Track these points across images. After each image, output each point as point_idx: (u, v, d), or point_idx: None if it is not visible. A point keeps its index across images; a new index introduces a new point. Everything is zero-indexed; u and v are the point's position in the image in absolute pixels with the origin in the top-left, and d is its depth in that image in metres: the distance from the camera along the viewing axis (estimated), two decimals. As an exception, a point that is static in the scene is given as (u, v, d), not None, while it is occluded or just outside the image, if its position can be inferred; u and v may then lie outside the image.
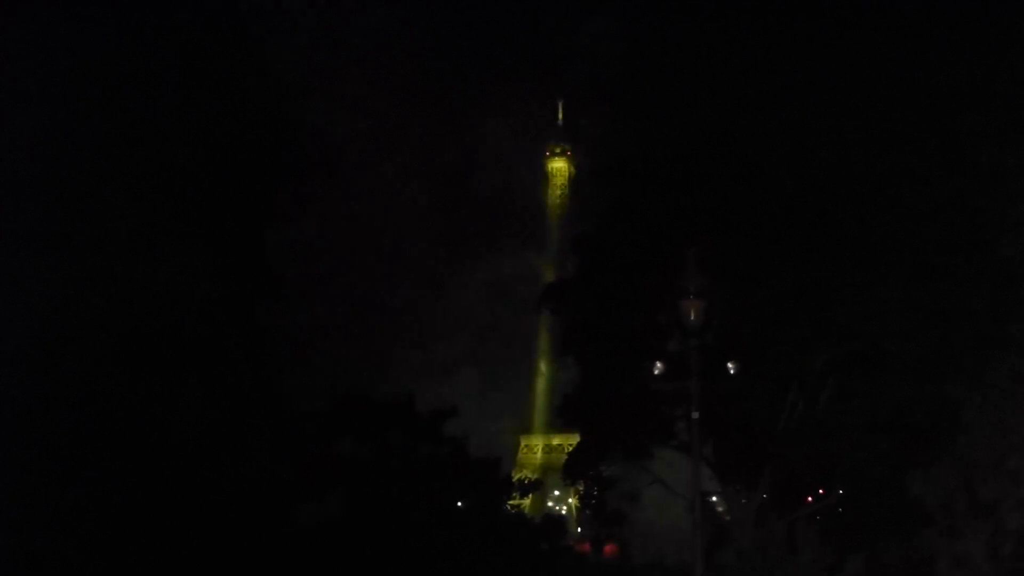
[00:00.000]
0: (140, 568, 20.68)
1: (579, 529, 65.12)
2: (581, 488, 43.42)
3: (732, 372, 27.11)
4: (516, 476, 46.96)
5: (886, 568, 33.72)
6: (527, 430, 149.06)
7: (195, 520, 21.74)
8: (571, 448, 45.23)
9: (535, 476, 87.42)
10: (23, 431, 19.05)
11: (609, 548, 56.06)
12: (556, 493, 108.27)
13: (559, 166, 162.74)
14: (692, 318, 22.89)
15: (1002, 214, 29.94)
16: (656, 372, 35.83)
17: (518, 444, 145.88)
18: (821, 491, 36.81)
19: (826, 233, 32.68)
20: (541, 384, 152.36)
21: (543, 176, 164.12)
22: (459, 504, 36.57)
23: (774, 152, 33.46)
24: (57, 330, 20.04)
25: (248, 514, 24.32)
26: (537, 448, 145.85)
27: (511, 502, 42.01)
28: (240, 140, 25.17)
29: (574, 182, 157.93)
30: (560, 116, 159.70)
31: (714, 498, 42.36)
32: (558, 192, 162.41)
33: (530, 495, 44.40)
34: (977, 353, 30.73)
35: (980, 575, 30.61)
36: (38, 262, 20.13)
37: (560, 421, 42.96)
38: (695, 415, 24.38)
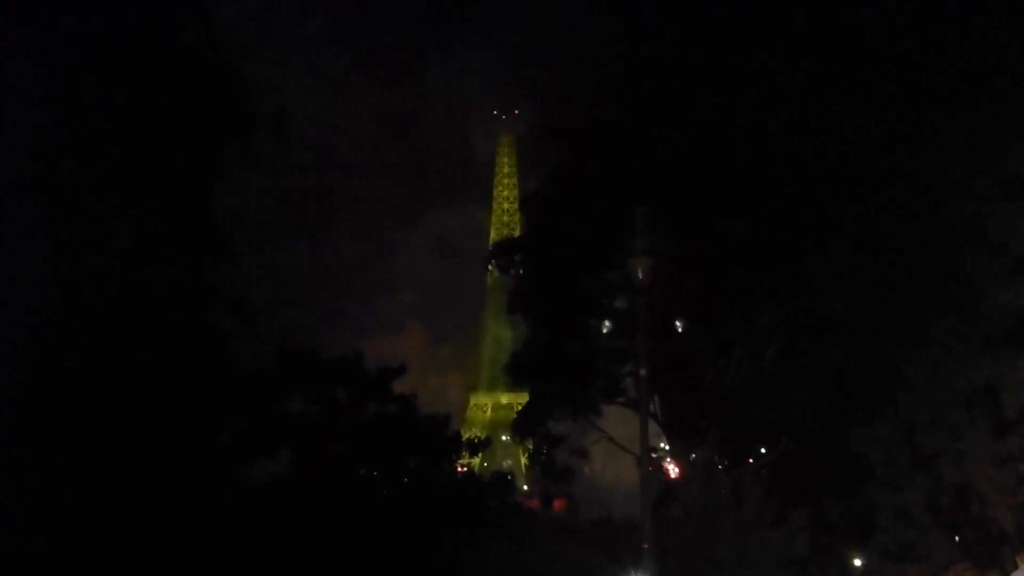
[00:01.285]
0: (86, 533, 20.55)
1: (526, 486, 65.57)
2: (530, 445, 43.69)
3: (679, 330, 27.39)
4: (465, 435, 47.07)
5: (829, 522, 34.36)
6: (475, 388, 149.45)
7: (141, 482, 21.62)
8: (520, 406, 45.44)
9: (484, 434, 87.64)
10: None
11: (558, 504, 56.48)
12: (505, 449, 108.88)
13: (506, 125, 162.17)
14: (640, 276, 22.93)
15: (944, 177, 30.34)
16: (604, 330, 36.12)
17: (467, 402, 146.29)
18: (765, 448, 37.35)
19: (771, 195, 32.97)
20: (489, 342, 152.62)
21: (492, 135, 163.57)
22: (408, 462, 36.64)
23: (721, 113, 33.63)
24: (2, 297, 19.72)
25: (195, 474, 24.22)
26: (486, 406, 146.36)
27: (460, 461, 42.10)
28: (184, 96, 24.80)
29: (522, 140, 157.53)
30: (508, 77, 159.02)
31: (661, 454, 42.83)
32: (505, 151, 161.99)
33: (479, 453, 44.50)
34: (917, 313, 31.25)
35: (920, 527, 31.29)
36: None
37: (509, 379, 43.04)
38: (643, 372, 24.52)
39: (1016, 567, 21.56)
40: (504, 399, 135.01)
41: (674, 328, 26.52)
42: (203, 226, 26.07)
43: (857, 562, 34.83)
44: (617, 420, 42.08)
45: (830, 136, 32.53)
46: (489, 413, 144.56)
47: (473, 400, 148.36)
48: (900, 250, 31.93)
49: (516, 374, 42.26)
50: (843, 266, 32.46)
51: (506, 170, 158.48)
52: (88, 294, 20.87)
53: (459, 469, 41.30)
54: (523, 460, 75.65)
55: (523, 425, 42.79)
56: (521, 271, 41.68)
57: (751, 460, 37.13)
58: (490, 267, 46.52)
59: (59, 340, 20.34)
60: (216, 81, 25.46)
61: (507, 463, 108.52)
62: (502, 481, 40.72)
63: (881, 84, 32.12)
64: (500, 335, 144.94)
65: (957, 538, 31.55)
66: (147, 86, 23.24)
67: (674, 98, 34.82)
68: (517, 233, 50.35)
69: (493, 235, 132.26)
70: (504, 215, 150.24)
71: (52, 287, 20.23)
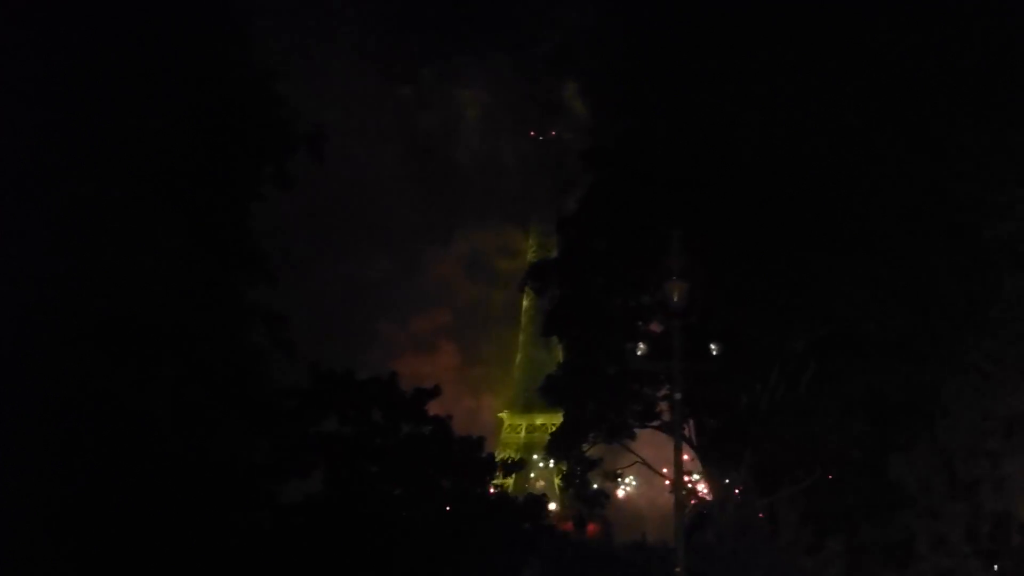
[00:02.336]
0: (117, 550, 20.66)
1: (561, 508, 65.35)
2: (564, 467, 43.55)
3: (714, 353, 27.22)
4: (499, 456, 46.94)
5: (866, 549, 33.99)
6: (509, 409, 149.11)
7: (175, 501, 21.71)
8: (554, 428, 45.31)
9: (518, 456, 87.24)
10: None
11: (592, 527, 56.25)
12: (539, 471, 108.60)
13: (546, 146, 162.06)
14: (675, 299, 22.89)
15: (981, 199, 30.11)
16: (639, 353, 35.98)
17: (500, 423, 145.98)
18: (800, 474, 37.00)
19: (806, 218, 32.81)
20: (524, 363, 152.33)
21: (529, 154, 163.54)
22: (442, 484, 36.58)
23: (756, 139, 33.57)
24: (26, 312, 19.88)
25: (229, 494, 24.30)
26: (520, 427, 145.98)
27: (494, 481, 42.01)
28: (222, 116, 25.04)
29: (560, 162, 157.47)
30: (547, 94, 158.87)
31: (696, 478, 42.54)
32: (545, 172, 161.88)
33: (513, 475, 44.35)
34: (955, 337, 30.93)
35: (959, 555, 30.92)
36: (3, 243, 19.94)
37: (544, 400, 42.95)
38: (677, 396, 24.47)
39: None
40: (539, 420, 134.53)
41: (709, 351, 26.34)
42: (240, 245, 26.26)
43: (894, 590, 34.42)
44: (651, 443, 41.88)
45: (866, 158, 32.36)
46: (523, 434, 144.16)
47: (507, 421, 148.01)
48: (937, 273, 31.64)
49: (551, 396, 42.19)
50: (879, 289, 32.22)
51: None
52: (125, 312, 21.04)
53: (492, 490, 41.22)
54: (557, 482, 75.48)
55: (557, 447, 42.68)
56: (557, 293, 41.63)
57: (786, 485, 36.79)
58: (526, 289, 46.47)
59: (91, 356, 20.50)
60: (254, 102, 25.69)
61: (540, 484, 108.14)
62: (535, 503, 40.52)
63: (917, 102, 31.94)
64: (535, 356, 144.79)
65: (996, 567, 31.12)
66: (186, 107, 23.48)
67: (709, 122, 34.79)
68: (554, 254, 50.23)
69: (530, 256, 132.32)
70: (540, 236, 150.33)
71: (85, 303, 20.42)
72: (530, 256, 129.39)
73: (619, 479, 44.82)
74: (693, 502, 39.94)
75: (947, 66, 31.52)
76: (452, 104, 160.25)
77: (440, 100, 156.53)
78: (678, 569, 23.41)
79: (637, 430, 40.40)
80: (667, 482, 40.65)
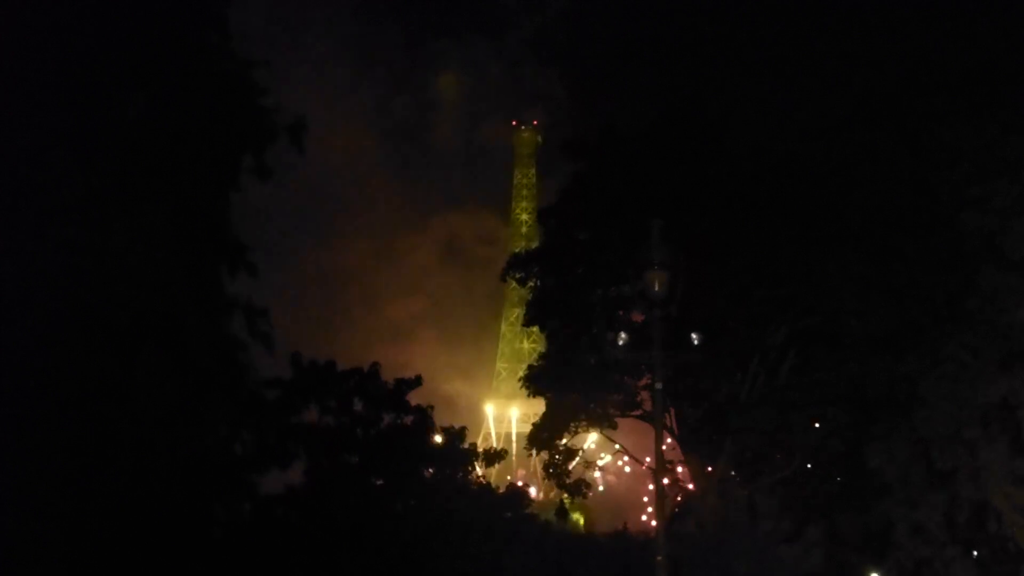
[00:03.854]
0: (100, 541, 20.63)
1: (543, 497, 65.52)
2: (546, 457, 43.70)
3: (695, 344, 27.31)
4: (481, 445, 46.96)
5: (845, 538, 34.22)
6: (491, 398, 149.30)
7: (157, 493, 21.69)
8: (536, 417, 45.40)
9: (500, 445, 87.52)
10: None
11: (575, 516, 56.49)
12: (521, 460, 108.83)
13: (526, 136, 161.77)
14: (656, 289, 22.96)
15: (959, 192, 30.29)
16: (620, 343, 36.14)
17: (482, 411, 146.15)
18: (780, 463, 37.24)
19: (785, 211, 32.98)
20: (505, 352, 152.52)
21: (507, 142, 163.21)
22: (423, 473, 36.61)
23: (735, 131, 33.72)
24: (7, 303, 19.81)
25: (210, 486, 24.28)
26: (502, 417, 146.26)
27: (476, 471, 42.06)
28: (202, 107, 24.92)
29: (540, 152, 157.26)
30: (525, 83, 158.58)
31: (677, 468, 42.76)
32: (524, 162, 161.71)
33: (495, 464, 44.43)
34: (933, 328, 31.16)
35: (936, 544, 31.15)
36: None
37: (526, 390, 43.07)
38: (658, 386, 24.56)
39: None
40: (521, 409, 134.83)
41: (690, 342, 26.43)
42: (219, 236, 26.16)
43: (873, 578, 34.68)
44: (633, 433, 42.06)
45: (844, 149, 32.54)
46: (505, 423, 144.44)
47: (489, 410, 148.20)
48: (915, 265, 31.86)
49: (533, 385, 42.29)
50: (858, 281, 32.44)
51: (524, 181, 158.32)
52: (103, 303, 20.97)
53: (474, 480, 41.29)
54: (539, 471, 75.72)
55: (539, 437, 42.78)
56: (538, 283, 41.66)
57: (766, 475, 37.03)
58: (508, 278, 46.51)
59: (72, 347, 20.44)
60: (233, 92, 25.58)
61: (522, 473, 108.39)
62: (517, 493, 40.63)
63: (896, 97, 32.12)
64: (516, 345, 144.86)
65: (975, 554, 31.37)
66: (165, 97, 23.38)
67: (691, 115, 34.92)
68: (535, 244, 50.30)
69: (511, 246, 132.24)
70: (522, 226, 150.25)
71: (65, 293, 20.35)
72: (512, 246, 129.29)
73: (601, 468, 45.02)
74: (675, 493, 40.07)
75: (927, 61, 31.73)
76: (429, 89, 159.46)
77: (417, 85, 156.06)
78: (659, 557, 23.50)
79: (620, 419, 40.58)
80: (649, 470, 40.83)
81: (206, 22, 25.10)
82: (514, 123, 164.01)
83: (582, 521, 57.42)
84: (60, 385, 20.09)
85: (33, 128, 20.88)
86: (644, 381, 37.42)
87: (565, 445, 42.05)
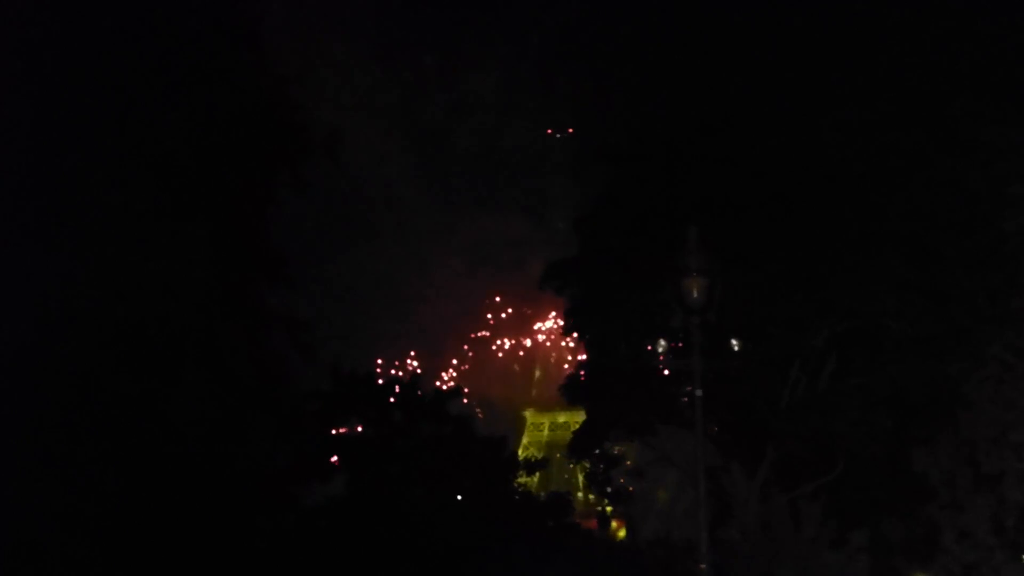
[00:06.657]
0: (145, 559, 20.80)
1: (585, 506, 65.45)
2: (587, 465, 43.65)
3: (735, 350, 27.14)
4: (522, 454, 47.00)
5: (890, 543, 33.88)
6: (531, 407, 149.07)
7: (201, 506, 21.86)
8: (577, 425, 45.37)
9: (541, 454, 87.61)
10: (20, 427, 19.08)
11: (616, 524, 56.28)
12: (562, 469, 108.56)
13: (559, 142, 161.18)
14: (694, 296, 22.86)
15: (999, 192, 29.99)
16: (659, 350, 35.99)
17: (522, 420, 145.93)
18: (823, 469, 36.93)
19: (823, 213, 32.75)
20: (545, 360, 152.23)
21: (539, 147, 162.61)
22: (464, 483, 36.71)
23: (772, 133, 33.50)
24: (51, 322, 20.04)
25: (253, 498, 24.45)
26: (543, 425, 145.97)
27: (517, 480, 42.13)
28: (242, 123, 25.16)
29: (572, 156, 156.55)
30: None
31: (718, 475, 42.51)
32: (558, 167, 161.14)
33: (536, 473, 44.47)
34: (975, 330, 30.83)
35: (984, 548, 30.75)
36: (28, 252, 20.10)
37: (566, 398, 43.07)
38: (698, 393, 24.41)
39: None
40: (561, 418, 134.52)
41: (729, 348, 26.27)
42: (258, 251, 26.39)
43: (920, 584, 34.31)
44: (674, 440, 41.87)
45: (883, 150, 32.28)
46: (546, 432, 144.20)
47: (529, 419, 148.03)
48: (956, 266, 31.55)
49: (572, 394, 42.25)
50: (898, 282, 32.16)
51: (558, 188, 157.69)
52: (144, 321, 21.18)
53: (515, 488, 41.32)
54: (580, 479, 75.50)
55: (580, 445, 42.73)
56: (576, 291, 41.62)
57: (809, 480, 36.72)
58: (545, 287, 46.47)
59: (113, 365, 20.65)
60: (269, 109, 25.81)
61: (566, 478, 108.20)
62: (559, 501, 40.63)
63: (933, 96, 31.84)
64: (556, 354, 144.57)
65: (1023, 559, 30.97)
66: (202, 116, 23.62)
67: (726, 118, 34.74)
68: (571, 252, 50.31)
69: (547, 254, 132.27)
70: (558, 234, 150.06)
71: (107, 312, 20.57)
72: (547, 254, 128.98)
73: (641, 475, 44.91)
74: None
75: (965, 59, 31.43)
76: (458, 92, 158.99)
77: (446, 88, 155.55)
78: (702, 565, 23.38)
79: (660, 427, 40.41)
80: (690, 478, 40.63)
81: (240, 41, 25.36)
82: (548, 132, 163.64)
83: (622, 532, 57.34)
84: (102, 403, 20.31)
85: (72, 148, 21.15)
86: (683, 388, 37.23)
87: (606, 453, 41.97)
